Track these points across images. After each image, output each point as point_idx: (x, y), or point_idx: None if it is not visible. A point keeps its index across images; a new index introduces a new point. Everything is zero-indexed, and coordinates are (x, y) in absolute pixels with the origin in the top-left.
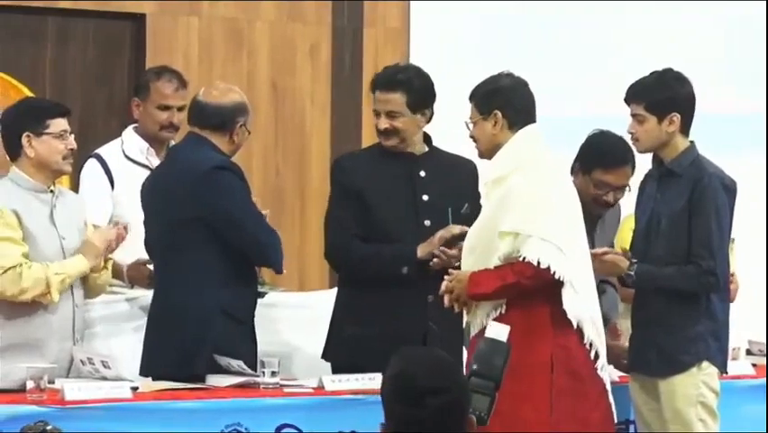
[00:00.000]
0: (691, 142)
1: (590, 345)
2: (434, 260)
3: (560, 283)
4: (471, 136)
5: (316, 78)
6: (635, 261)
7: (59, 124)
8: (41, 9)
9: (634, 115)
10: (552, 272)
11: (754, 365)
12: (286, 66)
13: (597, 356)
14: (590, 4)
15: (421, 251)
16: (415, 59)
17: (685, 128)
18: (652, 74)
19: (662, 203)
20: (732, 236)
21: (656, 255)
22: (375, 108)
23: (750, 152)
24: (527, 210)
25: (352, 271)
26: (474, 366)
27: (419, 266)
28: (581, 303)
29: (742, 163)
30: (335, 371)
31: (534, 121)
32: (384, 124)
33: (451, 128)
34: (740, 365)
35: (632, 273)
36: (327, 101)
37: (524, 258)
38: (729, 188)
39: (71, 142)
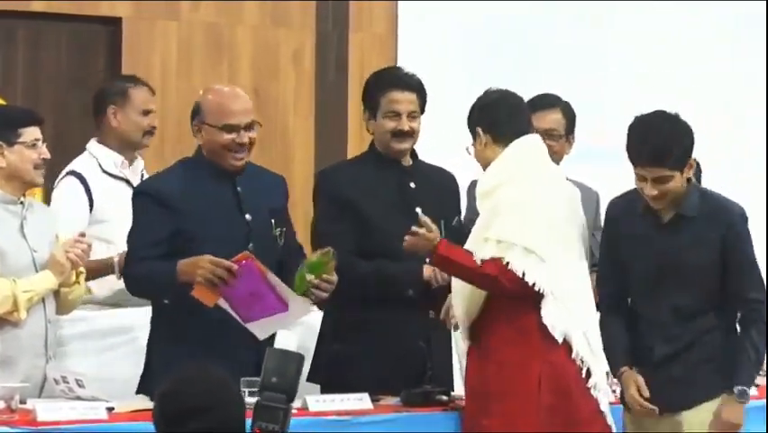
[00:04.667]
0: (688, 179)
1: (581, 361)
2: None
3: (540, 295)
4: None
5: (300, 85)
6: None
7: (32, 133)
8: (11, 12)
9: (655, 179)
10: (531, 284)
11: (756, 385)
12: (268, 72)
13: (589, 374)
14: (579, 10)
15: (427, 272)
16: (402, 65)
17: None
18: (654, 132)
19: (680, 250)
20: None
21: (679, 305)
22: (394, 109)
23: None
24: (513, 219)
25: (352, 291)
26: (265, 380)
27: (424, 286)
28: (567, 316)
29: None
30: (325, 391)
31: (526, 132)
32: (406, 125)
33: (437, 134)
34: None
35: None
36: (311, 108)
37: (507, 263)
38: (747, 220)
39: (44, 151)
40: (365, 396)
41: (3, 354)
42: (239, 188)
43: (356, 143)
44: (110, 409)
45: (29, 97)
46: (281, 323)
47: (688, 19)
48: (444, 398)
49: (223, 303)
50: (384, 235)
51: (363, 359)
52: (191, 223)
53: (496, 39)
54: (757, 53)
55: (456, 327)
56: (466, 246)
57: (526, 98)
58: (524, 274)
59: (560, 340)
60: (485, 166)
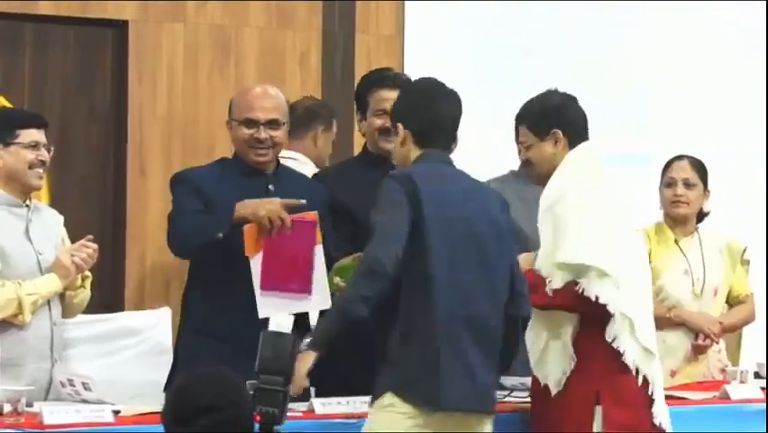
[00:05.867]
0: (426, 150)
1: (639, 373)
2: None
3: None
4: (525, 159)
5: (306, 86)
6: None
7: (31, 135)
8: (18, 15)
9: None
10: (604, 305)
11: (763, 389)
12: (275, 73)
13: (646, 382)
14: (587, 11)
15: None
16: (409, 67)
17: (419, 141)
18: None
19: None
20: (746, 258)
21: None
22: (382, 107)
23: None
24: (581, 240)
25: None
26: (261, 363)
27: None
28: (630, 336)
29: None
30: (320, 394)
31: (587, 138)
32: None
33: None
34: (748, 389)
35: None
36: None
37: (582, 290)
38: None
39: (43, 154)
40: (369, 399)
41: (9, 357)
42: (270, 186)
43: (362, 144)
44: (116, 413)
45: (35, 100)
46: (293, 307)
47: (698, 18)
48: None
49: (254, 263)
50: None
51: (359, 359)
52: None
53: (503, 39)
54: (757, 53)
55: None
56: (535, 265)
57: None
58: (597, 298)
59: (632, 366)
60: (550, 170)
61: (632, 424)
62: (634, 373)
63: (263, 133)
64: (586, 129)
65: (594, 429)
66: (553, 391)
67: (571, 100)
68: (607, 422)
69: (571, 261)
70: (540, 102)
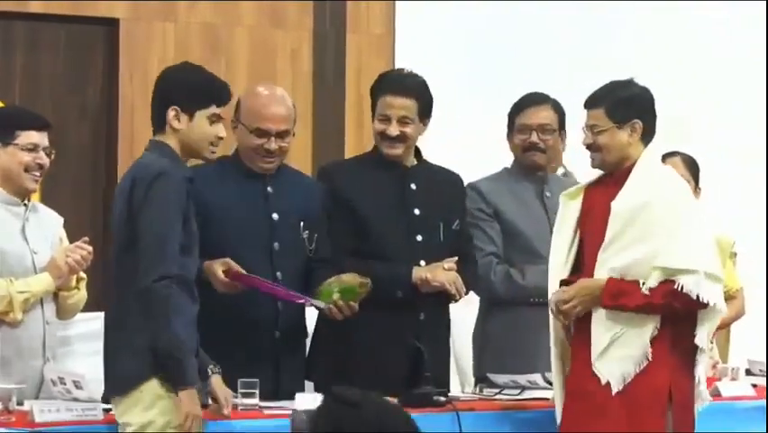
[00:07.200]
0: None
1: (698, 376)
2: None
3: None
4: (591, 144)
5: (297, 86)
6: None
7: (30, 137)
8: (9, 13)
9: None
10: (706, 303)
11: (754, 386)
12: (265, 73)
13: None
14: (577, 10)
15: (416, 275)
16: (400, 66)
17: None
18: None
19: None
20: (734, 251)
21: None
22: (385, 113)
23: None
24: (683, 244)
25: None
26: None
27: (413, 288)
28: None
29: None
30: (319, 388)
31: (654, 135)
32: (395, 130)
33: (436, 134)
34: (739, 386)
35: None
36: (308, 109)
37: (681, 286)
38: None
39: (41, 157)
40: None
41: (0, 356)
42: (269, 188)
43: (353, 144)
44: (107, 411)
45: (26, 98)
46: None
47: (688, 18)
48: (442, 399)
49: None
50: (379, 236)
51: (356, 358)
52: (216, 218)
53: (494, 39)
54: (757, 53)
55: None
56: (624, 263)
57: None
58: (698, 297)
59: (701, 366)
60: (619, 159)
61: (688, 424)
62: (696, 373)
63: (273, 144)
64: (656, 127)
65: (669, 429)
66: (615, 388)
67: (651, 94)
68: (674, 423)
69: (670, 265)
70: (624, 88)
